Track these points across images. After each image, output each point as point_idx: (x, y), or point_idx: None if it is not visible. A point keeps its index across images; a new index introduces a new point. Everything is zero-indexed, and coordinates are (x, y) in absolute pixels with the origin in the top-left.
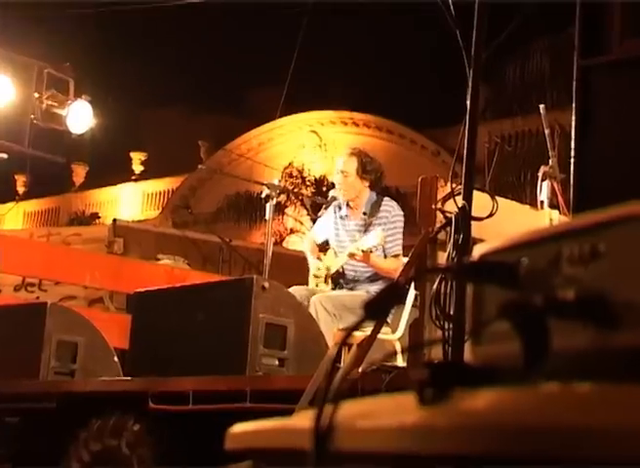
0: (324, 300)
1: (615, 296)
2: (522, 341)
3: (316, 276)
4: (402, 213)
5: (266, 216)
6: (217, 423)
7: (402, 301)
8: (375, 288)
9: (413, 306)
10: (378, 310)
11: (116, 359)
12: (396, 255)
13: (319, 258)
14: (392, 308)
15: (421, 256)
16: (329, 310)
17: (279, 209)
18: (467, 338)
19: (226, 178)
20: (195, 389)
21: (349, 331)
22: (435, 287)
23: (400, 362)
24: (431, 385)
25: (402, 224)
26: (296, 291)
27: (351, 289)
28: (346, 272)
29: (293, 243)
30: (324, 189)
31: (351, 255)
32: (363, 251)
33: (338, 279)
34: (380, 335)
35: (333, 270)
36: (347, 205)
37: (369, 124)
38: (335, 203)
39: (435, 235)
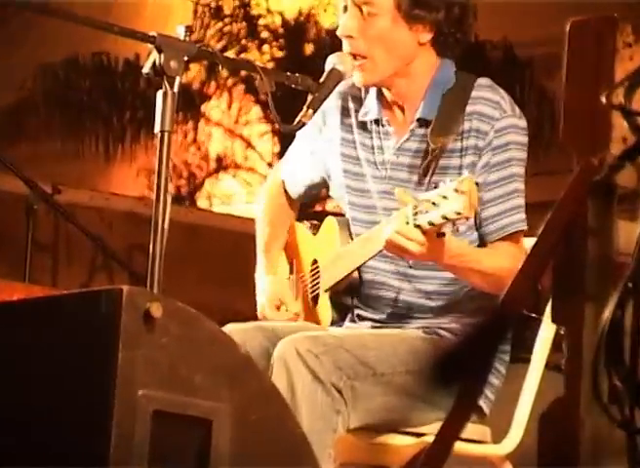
0: (307, 348)
1: None
2: None
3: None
4: (524, 123)
5: (156, 127)
6: None
7: (518, 355)
8: (448, 321)
9: (549, 368)
10: (458, 378)
11: None
12: (515, 235)
13: (294, 255)
14: (492, 372)
15: (573, 234)
16: (323, 377)
17: (189, 104)
18: None
19: (40, 22)
20: None
21: (382, 432)
22: (609, 314)
23: None
24: None
25: (524, 153)
26: (238, 332)
27: (385, 324)
28: (372, 279)
29: (227, 196)
30: (307, 49)
31: (391, 241)
32: (419, 227)
33: (345, 297)
34: (460, 446)
35: (330, 283)
36: (382, 97)
37: None
38: (342, 88)
39: (609, 176)
